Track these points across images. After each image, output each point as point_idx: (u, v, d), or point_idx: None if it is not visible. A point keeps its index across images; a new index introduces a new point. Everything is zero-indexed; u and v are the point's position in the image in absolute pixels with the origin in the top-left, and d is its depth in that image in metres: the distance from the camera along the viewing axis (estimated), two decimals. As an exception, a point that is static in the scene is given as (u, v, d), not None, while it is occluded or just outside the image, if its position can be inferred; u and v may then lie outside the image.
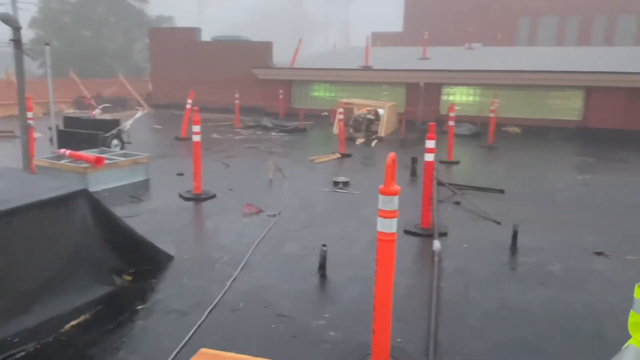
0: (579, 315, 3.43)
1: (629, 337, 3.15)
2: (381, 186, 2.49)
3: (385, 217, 2.50)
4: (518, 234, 4.80)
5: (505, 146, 11.63)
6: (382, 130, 12.97)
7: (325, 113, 16.32)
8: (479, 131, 13.48)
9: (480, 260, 4.44)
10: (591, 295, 3.74)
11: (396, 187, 2.49)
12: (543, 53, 18.97)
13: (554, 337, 3.12)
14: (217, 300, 3.55)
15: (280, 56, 18.75)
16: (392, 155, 2.45)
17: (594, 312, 3.46)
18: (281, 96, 16.87)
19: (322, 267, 4.12)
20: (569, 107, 15.32)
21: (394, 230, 2.54)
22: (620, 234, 5.24)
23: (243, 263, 4.24)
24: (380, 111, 13.20)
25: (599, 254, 4.63)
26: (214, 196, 6.47)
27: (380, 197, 2.51)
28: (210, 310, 3.40)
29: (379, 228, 2.53)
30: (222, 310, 3.44)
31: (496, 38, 26.25)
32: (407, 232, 5.17)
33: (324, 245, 4.15)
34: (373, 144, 11.92)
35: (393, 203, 2.49)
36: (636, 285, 0.87)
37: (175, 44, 19.25)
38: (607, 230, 5.37)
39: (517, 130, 14.54)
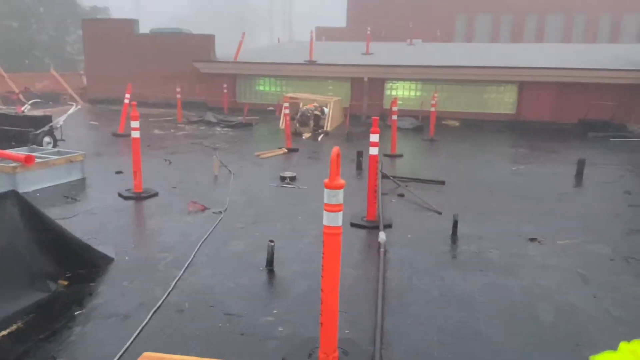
0: (515, 298, 3.62)
1: (560, 317, 3.37)
2: (326, 180, 2.50)
3: (331, 211, 2.52)
4: (458, 223, 4.99)
5: (445, 139, 12.05)
6: (328, 125, 13.06)
7: (271, 108, 16.20)
8: (421, 125, 13.87)
9: (423, 250, 4.58)
10: (525, 279, 3.96)
11: (341, 181, 2.51)
12: (479, 49, 19.78)
13: (492, 321, 3.28)
14: (160, 301, 3.44)
15: (224, 50, 18.40)
16: (336, 149, 2.46)
17: (528, 295, 3.67)
18: (225, 91, 16.56)
19: (269, 263, 4.10)
20: (503, 101, 16.10)
21: (340, 223, 2.56)
22: (552, 221, 5.58)
23: (188, 262, 4.13)
24: (326, 110, 13.29)
25: (532, 240, 4.91)
26: (156, 194, 6.26)
27: (326, 191, 2.52)
28: (154, 313, 3.29)
29: (325, 222, 2.55)
30: (167, 312, 3.34)
31: (435, 34, 27.10)
32: (353, 224, 5.24)
33: (271, 241, 4.12)
34: (320, 138, 11.98)
35: (338, 197, 2.51)
36: (621, 343, 0.72)
37: (111, 36, 18.37)
38: (539, 217, 5.70)
39: (456, 123, 15.10)
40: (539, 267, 4.24)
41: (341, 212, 2.54)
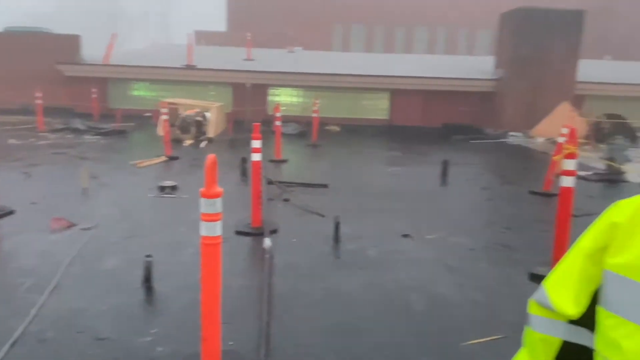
0: (391, 292, 3.86)
1: (431, 306, 3.67)
2: (202, 189, 2.42)
3: (209, 221, 2.45)
4: (340, 224, 5.18)
5: (327, 144, 12.48)
6: (211, 131, 12.75)
7: (148, 114, 15.35)
8: (304, 130, 14.20)
9: (308, 253, 4.67)
10: (400, 273, 4.25)
11: (218, 189, 2.45)
12: (355, 58, 20.87)
13: (371, 316, 3.46)
14: (19, 332, 3.05)
15: (93, 52, 17.00)
16: (211, 156, 2.40)
17: (402, 288, 3.94)
18: (94, 95, 15.31)
19: (147, 280, 3.85)
20: (378, 108, 17.17)
21: (219, 233, 2.50)
22: (422, 217, 6.07)
23: (52, 286, 3.72)
24: (208, 115, 12.96)
25: (405, 236, 5.28)
26: (11, 212, 5.54)
27: (202, 200, 2.45)
28: (12, 346, 2.90)
29: (203, 232, 2.47)
30: (27, 342, 2.97)
31: (314, 42, 27.99)
32: (238, 232, 5.17)
33: (149, 256, 3.89)
34: (202, 145, 11.64)
35: (216, 205, 2.45)
36: (532, 302, 0.83)
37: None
38: (411, 215, 6.16)
39: (337, 128, 15.73)
40: (412, 260, 4.58)
41: (220, 221, 2.48)
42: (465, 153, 11.84)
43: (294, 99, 17.29)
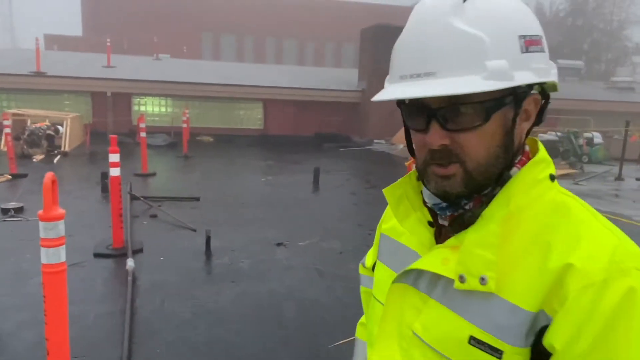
0: (263, 303, 3.86)
1: (301, 312, 3.75)
2: (40, 212, 2.18)
3: (50, 246, 2.20)
4: (211, 238, 5.05)
5: (200, 155, 12.12)
6: (66, 145, 11.57)
7: (-12, 126, 13.39)
8: (174, 141, 13.63)
9: (176, 271, 4.47)
10: (273, 282, 4.27)
11: (60, 210, 2.22)
12: (226, 68, 20.64)
13: (243, 329, 3.42)
14: None
15: None
16: (49, 175, 2.17)
17: (275, 297, 3.97)
18: None
19: (-17, 318, 3.35)
20: (252, 117, 17.19)
21: (63, 259, 2.26)
22: (295, 225, 6.19)
23: None
24: (61, 128, 11.75)
25: (279, 244, 5.34)
26: None
27: (41, 224, 2.20)
28: None
29: (44, 260, 2.21)
30: None
31: (182, 50, 27.08)
32: (97, 255, 4.75)
33: (-16, 290, 3.38)
34: (56, 160, 10.50)
35: (58, 229, 2.22)
36: (360, 265, 1.15)
37: None
38: (285, 223, 6.24)
39: (210, 139, 15.37)
40: (284, 268, 4.64)
41: (63, 246, 2.25)
42: (336, 160, 12.39)
43: (162, 109, 16.50)
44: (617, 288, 0.61)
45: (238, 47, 32.19)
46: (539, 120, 0.76)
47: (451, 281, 0.71)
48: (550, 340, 0.63)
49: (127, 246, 4.84)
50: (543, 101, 0.75)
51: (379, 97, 0.73)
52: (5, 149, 9.77)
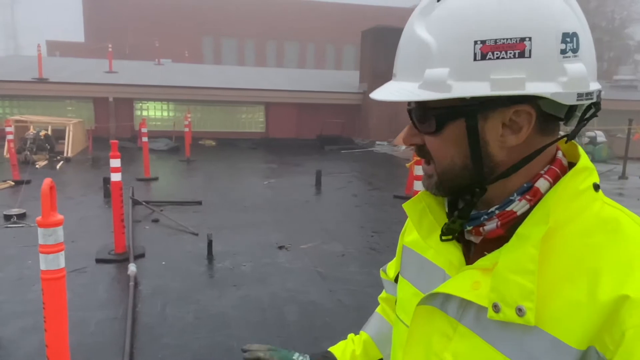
0: (265, 306, 3.85)
1: (303, 315, 3.73)
2: (39, 218, 2.17)
3: (49, 253, 2.20)
4: (213, 242, 5.04)
5: (202, 159, 12.13)
6: (69, 150, 11.60)
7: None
8: (177, 145, 13.64)
9: (178, 275, 4.46)
10: (274, 285, 4.26)
11: (58, 216, 2.22)
12: (228, 71, 20.68)
13: (245, 333, 3.41)
14: None
15: None
16: (47, 181, 2.17)
17: (277, 300, 3.95)
18: None
19: (-15, 324, 3.35)
20: (254, 120, 17.20)
21: (62, 265, 2.26)
22: (297, 227, 6.18)
23: None
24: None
25: (281, 247, 5.33)
26: None
27: (40, 230, 2.19)
28: None
29: (43, 266, 2.21)
30: None
31: (184, 55, 27.16)
32: (99, 260, 4.75)
33: (-15, 297, 3.38)
34: (59, 166, 10.53)
35: (57, 235, 2.22)
36: (380, 270, 1.10)
37: None
38: (287, 226, 6.23)
39: (212, 143, 15.39)
40: (286, 271, 4.62)
41: (62, 252, 2.25)
42: (337, 162, 12.38)
43: (164, 113, 16.54)
44: None
45: (239, 51, 32.26)
46: (573, 134, 0.67)
47: (483, 308, 0.64)
48: None
49: (129, 251, 4.84)
50: (574, 109, 0.64)
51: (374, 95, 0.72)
52: (7, 155, 9.81)
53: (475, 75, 0.60)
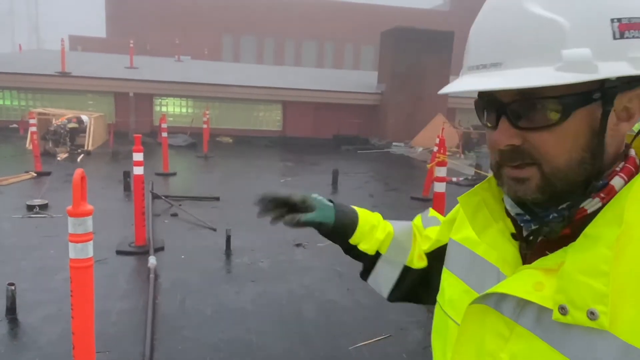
0: (283, 302, 3.86)
1: (321, 313, 3.74)
2: (69, 207, 2.22)
3: (78, 242, 2.24)
4: (231, 237, 5.08)
5: (219, 155, 12.22)
6: (90, 143, 11.78)
7: (15, 125, 13.78)
8: (194, 142, 13.76)
9: (197, 269, 4.51)
10: (292, 282, 4.28)
11: (88, 206, 2.26)
12: (246, 69, 20.80)
13: (262, 329, 3.43)
14: None
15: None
16: (79, 171, 2.21)
17: (294, 297, 3.97)
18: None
19: (11, 311, 3.42)
20: (271, 119, 17.27)
21: (90, 254, 2.30)
22: (313, 226, 6.17)
23: None
24: (85, 117, 11.93)
25: (298, 245, 5.34)
26: None
27: (70, 219, 2.24)
28: None
29: (72, 255, 2.25)
30: None
31: (203, 52, 27.38)
32: (120, 252, 4.82)
33: (11, 284, 3.45)
34: (79, 159, 10.70)
35: (86, 225, 2.26)
36: (420, 216, 1.06)
37: None
38: (303, 224, 6.23)
39: (229, 140, 15.49)
40: (304, 269, 4.64)
41: (91, 242, 2.29)
42: (354, 162, 12.36)
43: (183, 110, 16.70)
44: None
45: (258, 49, 32.40)
46: None
47: (546, 310, 0.61)
48: None
49: (149, 244, 4.91)
50: None
51: (443, 90, 0.67)
52: (30, 147, 10.01)
53: (613, 55, 0.57)
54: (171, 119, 15.14)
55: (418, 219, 1.05)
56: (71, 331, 2.36)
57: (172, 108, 16.42)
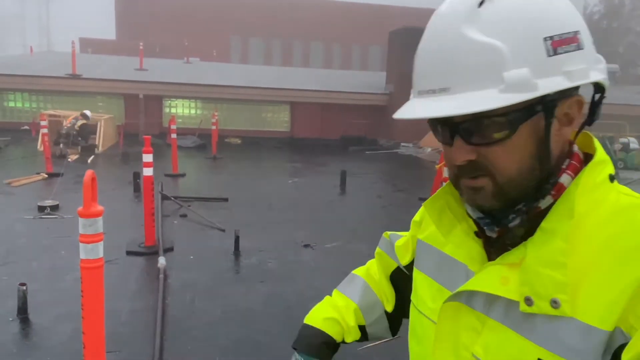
0: (291, 303, 3.87)
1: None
2: (80, 208, 2.24)
3: (89, 242, 2.26)
4: (240, 238, 5.10)
5: (228, 156, 12.27)
6: (100, 145, 11.89)
7: (26, 127, 13.94)
8: (203, 143, 13.83)
9: (206, 270, 4.53)
10: (300, 283, 4.28)
11: (99, 207, 2.28)
12: (254, 71, 20.87)
13: (271, 330, 3.43)
14: None
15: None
16: (89, 172, 2.23)
17: (303, 298, 3.97)
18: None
19: (22, 311, 3.46)
20: (279, 120, 17.31)
21: (100, 255, 2.32)
22: (321, 227, 6.19)
23: None
24: (87, 112, 11.97)
25: (306, 246, 5.35)
26: None
27: (81, 220, 2.26)
28: None
29: (82, 255, 2.28)
30: None
31: (212, 54, 27.52)
32: (130, 252, 4.86)
33: (23, 284, 3.49)
34: (90, 160, 10.80)
35: (97, 226, 2.28)
36: (387, 233, 1.14)
37: None
38: (312, 225, 6.25)
39: (238, 141, 15.55)
40: (312, 270, 4.64)
41: (101, 242, 2.31)
42: (362, 163, 12.35)
43: (192, 111, 16.79)
44: None
45: (266, 50, 32.50)
46: (590, 119, 0.70)
47: (513, 302, 0.66)
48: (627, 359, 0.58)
49: (159, 245, 4.94)
50: (598, 96, 0.69)
51: (397, 114, 0.70)
52: (41, 148, 10.11)
53: (550, 71, 0.62)
54: (180, 120, 15.24)
55: (383, 242, 1.12)
56: (81, 331, 2.39)
57: (181, 109, 16.52)
